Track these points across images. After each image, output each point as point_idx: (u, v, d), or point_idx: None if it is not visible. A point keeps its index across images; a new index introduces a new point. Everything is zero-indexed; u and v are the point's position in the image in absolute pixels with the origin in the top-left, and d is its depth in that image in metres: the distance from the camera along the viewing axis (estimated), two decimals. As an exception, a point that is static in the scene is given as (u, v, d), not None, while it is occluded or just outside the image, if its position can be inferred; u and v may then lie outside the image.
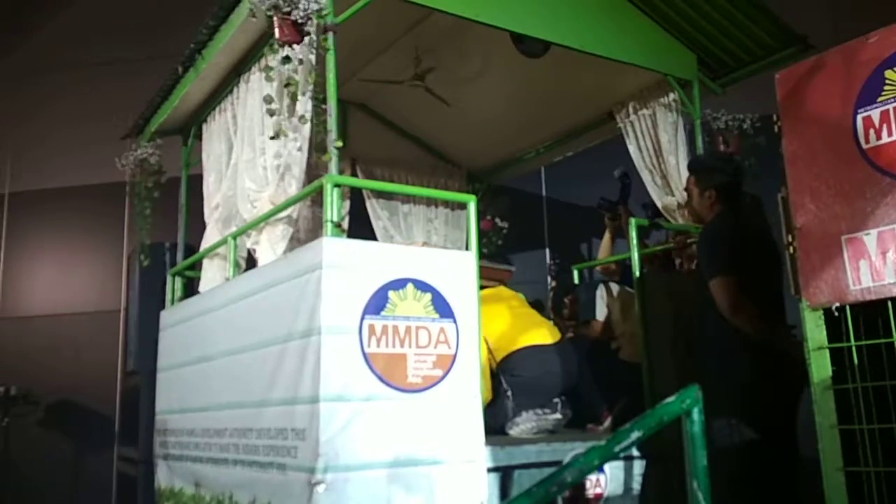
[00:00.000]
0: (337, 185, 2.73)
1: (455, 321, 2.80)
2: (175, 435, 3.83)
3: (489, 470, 2.80)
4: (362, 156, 5.06)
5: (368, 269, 2.66)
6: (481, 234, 5.23)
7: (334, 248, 2.62)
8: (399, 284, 2.71)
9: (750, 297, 2.85)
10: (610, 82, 4.20)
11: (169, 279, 4.33)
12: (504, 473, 2.87)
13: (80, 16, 6.99)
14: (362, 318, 2.61)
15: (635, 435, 2.02)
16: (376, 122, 5.30)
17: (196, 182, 4.22)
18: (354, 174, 5.05)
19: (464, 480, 2.69)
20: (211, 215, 3.99)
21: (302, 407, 2.57)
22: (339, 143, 2.84)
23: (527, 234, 5.73)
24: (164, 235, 4.58)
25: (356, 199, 4.83)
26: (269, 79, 2.86)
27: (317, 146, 3.02)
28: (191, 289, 4.26)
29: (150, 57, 5.96)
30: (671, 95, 4.06)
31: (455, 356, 2.77)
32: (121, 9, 6.90)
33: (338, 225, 2.68)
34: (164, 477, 3.92)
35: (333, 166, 2.76)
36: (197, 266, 4.12)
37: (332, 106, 2.80)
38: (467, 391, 2.78)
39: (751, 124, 3.97)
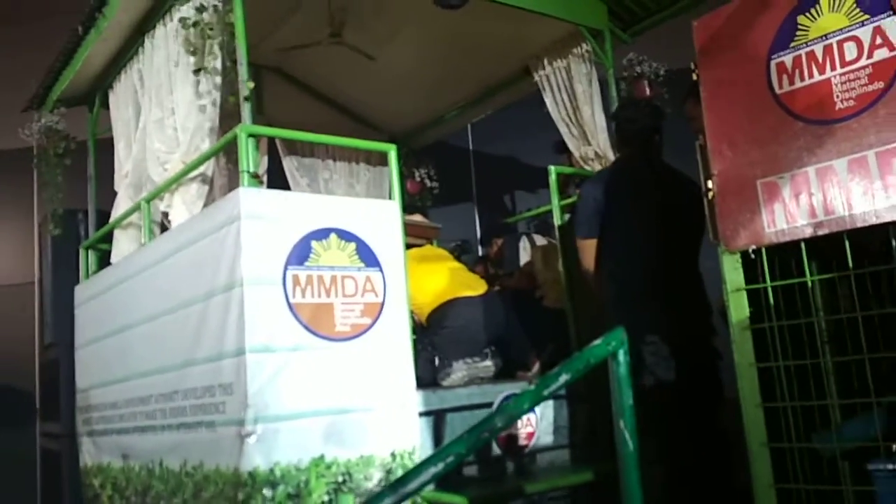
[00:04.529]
0: (251, 136, 2.67)
1: (381, 270, 2.79)
2: (98, 410, 3.70)
3: (421, 414, 2.83)
4: (278, 122, 4.92)
5: (289, 219, 2.62)
6: (409, 196, 5.21)
7: (252, 199, 2.56)
8: (322, 234, 2.68)
9: (636, 245, 3.02)
10: (524, 35, 4.21)
11: (81, 253, 4.15)
12: (437, 417, 2.90)
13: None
14: (285, 269, 2.57)
15: (563, 378, 2.02)
16: (292, 86, 5.16)
17: (106, 148, 4.03)
18: (272, 141, 4.93)
19: (396, 425, 2.71)
20: (121, 183, 3.84)
21: (228, 361, 2.53)
22: (251, 85, 2.77)
23: (454, 191, 5.69)
24: (77, 202, 4.36)
25: (274, 166, 4.72)
26: (185, 27, 2.75)
27: (230, 96, 2.93)
28: (105, 262, 4.10)
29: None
30: (584, 46, 4.10)
31: (383, 304, 2.77)
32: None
33: (255, 175, 2.63)
34: (89, 454, 3.79)
35: (247, 116, 2.69)
36: (109, 238, 3.97)
37: (241, 53, 2.72)
38: (397, 337, 2.79)
39: (664, 73, 4.06)
